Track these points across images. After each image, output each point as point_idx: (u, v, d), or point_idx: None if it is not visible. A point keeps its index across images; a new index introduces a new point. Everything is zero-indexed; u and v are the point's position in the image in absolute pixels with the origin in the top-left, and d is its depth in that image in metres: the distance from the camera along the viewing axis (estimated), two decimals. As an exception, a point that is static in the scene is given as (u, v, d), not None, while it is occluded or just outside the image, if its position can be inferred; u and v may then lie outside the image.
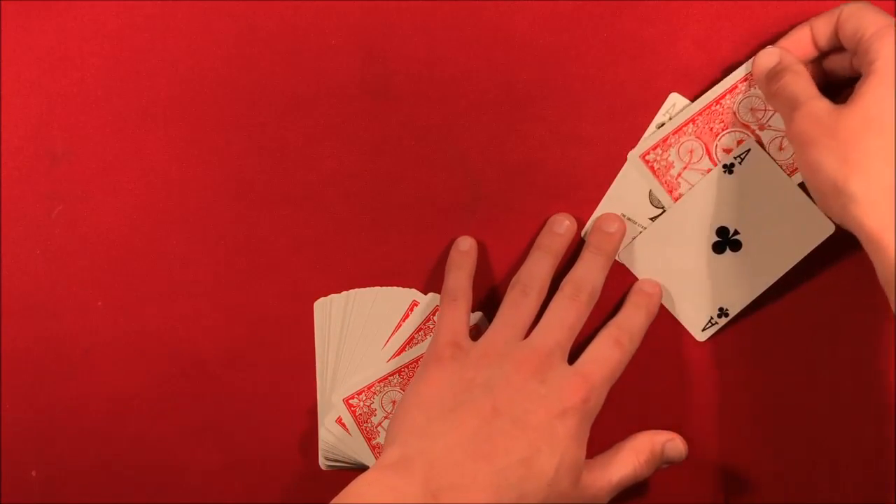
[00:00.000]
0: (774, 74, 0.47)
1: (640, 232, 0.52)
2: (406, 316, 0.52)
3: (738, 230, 0.51)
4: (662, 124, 0.51)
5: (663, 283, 0.52)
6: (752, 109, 0.49)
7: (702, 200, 0.51)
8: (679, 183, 0.50)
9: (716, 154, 0.50)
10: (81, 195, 0.54)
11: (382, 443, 0.51)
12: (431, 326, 0.51)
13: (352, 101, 0.53)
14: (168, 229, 0.54)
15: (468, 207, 0.53)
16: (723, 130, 0.50)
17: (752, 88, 0.49)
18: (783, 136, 0.49)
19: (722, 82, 0.49)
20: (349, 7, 0.53)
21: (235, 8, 0.53)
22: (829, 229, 0.50)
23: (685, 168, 0.50)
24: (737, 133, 0.50)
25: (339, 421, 0.51)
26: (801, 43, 0.48)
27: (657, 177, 0.50)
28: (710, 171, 0.50)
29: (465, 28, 0.52)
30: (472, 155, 0.53)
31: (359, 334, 0.52)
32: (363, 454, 0.51)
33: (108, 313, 0.54)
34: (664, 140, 0.50)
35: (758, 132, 0.50)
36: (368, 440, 0.51)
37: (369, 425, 0.51)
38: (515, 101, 0.52)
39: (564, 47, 0.52)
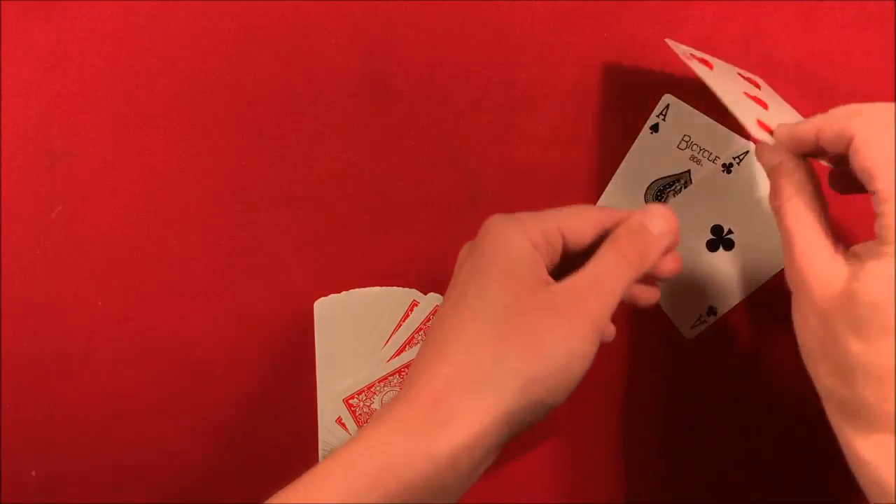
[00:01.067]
0: (773, 190, 0.41)
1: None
2: (406, 316, 0.52)
3: (732, 229, 0.51)
4: (655, 125, 0.51)
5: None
6: None
7: (699, 198, 0.51)
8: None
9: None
10: (81, 195, 0.54)
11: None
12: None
13: (352, 100, 0.53)
14: (168, 229, 0.54)
15: (468, 207, 0.53)
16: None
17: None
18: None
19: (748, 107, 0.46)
20: (349, 7, 0.53)
21: (235, 8, 0.53)
22: None
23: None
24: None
25: (339, 421, 0.51)
26: (807, 139, 0.41)
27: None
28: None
29: (465, 28, 0.52)
30: (472, 155, 0.53)
31: (359, 334, 0.52)
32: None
33: (108, 313, 0.54)
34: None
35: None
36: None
37: (369, 425, 0.51)
38: (515, 101, 0.52)
39: (564, 47, 0.52)
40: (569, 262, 0.43)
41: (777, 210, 0.41)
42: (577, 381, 0.40)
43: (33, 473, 0.55)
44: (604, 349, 0.53)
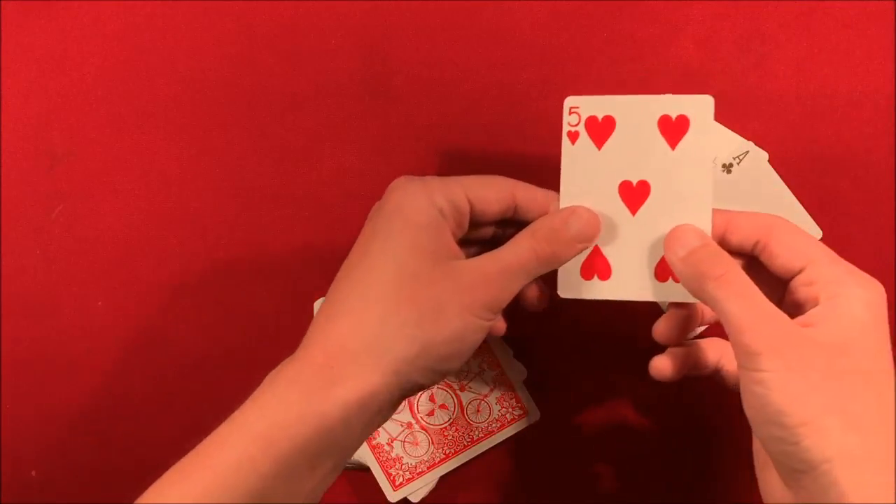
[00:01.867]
0: (706, 267, 0.39)
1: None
2: (406, 316, 0.52)
3: None
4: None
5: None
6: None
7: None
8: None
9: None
10: (81, 195, 0.54)
11: (382, 443, 0.51)
12: (431, 326, 0.51)
13: (352, 100, 0.53)
14: (168, 229, 0.54)
15: (468, 207, 0.53)
16: None
17: None
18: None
19: None
20: (349, 7, 0.53)
21: (235, 8, 0.53)
22: (818, 234, 0.50)
23: None
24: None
25: (339, 421, 0.51)
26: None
27: None
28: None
29: (465, 28, 0.52)
30: (472, 155, 0.53)
31: (359, 334, 0.52)
32: (363, 454, 0.51)
33: (108, 313, 0.54)
34: None
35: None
36: (368, 440, 0.51)
37: (369, 425, 0.51)
38: (515, 101, 0.52)
39: (564, 47, 0.52)
40: (475, 229, 0.44)
41: (718, 281, 0.38)
42: (469, 352, 0.41)
43: (33, 473, 0.55)
44: (604, 353, 0.53)
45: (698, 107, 0.42)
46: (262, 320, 0.54)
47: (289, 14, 0.53)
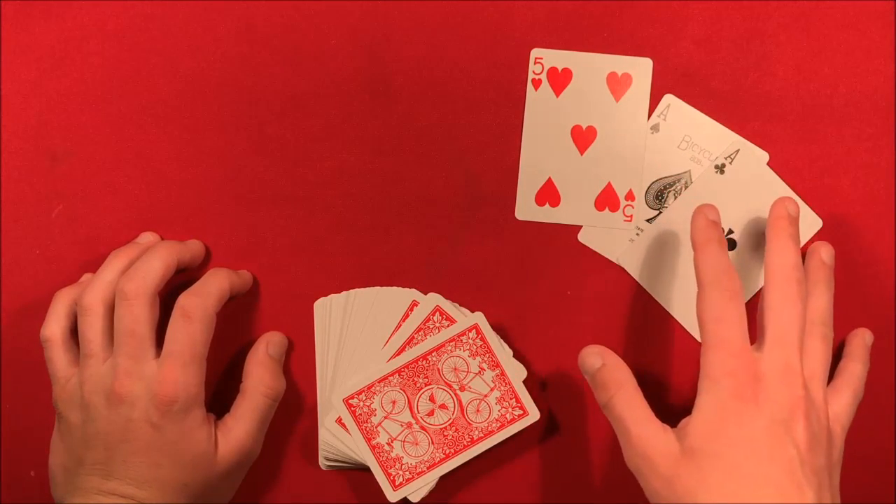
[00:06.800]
0: (600, 388, 0.47)
1: (638, 234, 0.52)
2: (406, 316, 0.52)
3: (733, 229, 0.51)
4: (656, 125, 0.51)
5: (662, 285, 0.52)
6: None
7: (696, 201, 0.51)
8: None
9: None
10: (81, 195, 0.54)
11: (382, 443, 0.51)
12: (431, 326, 0.52)
13: (352, 100, 0.53)
14: (168, 229, 0.54)
15: (468, 207, 0.53)
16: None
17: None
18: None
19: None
20: (349, 7, 0.53)
21: (235, 8, 0.53)
22: (818, 224, 0.50)
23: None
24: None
25: (339, 421, 0.51)
26: None
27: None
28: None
29: (465, 28, 0.52)
30: (472, 155, 0.53)
31: (359, 334, 0.52)
32: (363, 454, 0.51)
33: (108, 313, 0.54)
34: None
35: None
36: (368, 440, 0.51)
37: (369, 425, 0.51)
38: (515, 101, 0.52)
39: (564, 47, 0.52)
40: None
41: (606, 404, 0.46)
42: None
43: (33, 474, 0.55)
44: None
45: (640, 67, 0.51)
46: (262, 320, 0.54)
47: (289, 14, 0.53)
